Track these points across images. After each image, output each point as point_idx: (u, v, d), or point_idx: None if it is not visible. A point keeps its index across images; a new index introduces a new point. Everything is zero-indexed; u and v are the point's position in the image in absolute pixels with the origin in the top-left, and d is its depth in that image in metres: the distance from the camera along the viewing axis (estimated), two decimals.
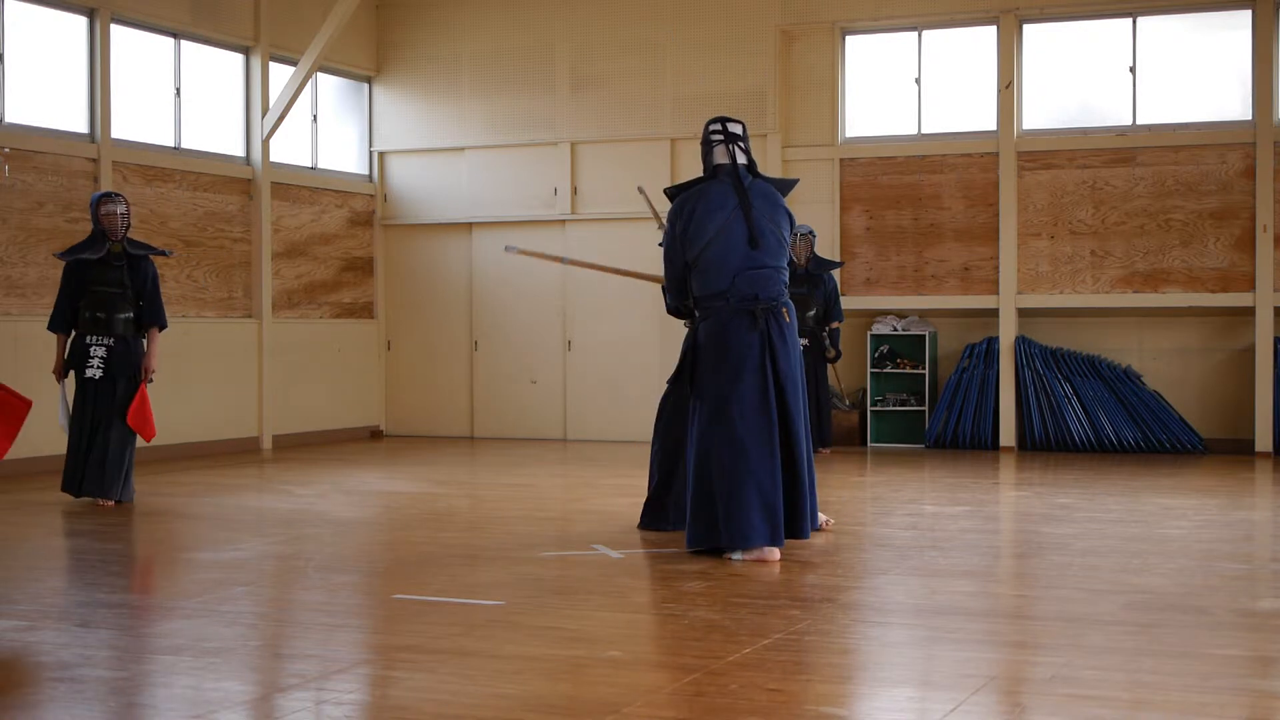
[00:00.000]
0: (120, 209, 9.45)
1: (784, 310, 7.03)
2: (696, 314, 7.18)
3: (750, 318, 6.94)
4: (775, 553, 6.85)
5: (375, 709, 4.46)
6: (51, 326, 9.53)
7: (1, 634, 5.37)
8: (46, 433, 11.58)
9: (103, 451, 9.37)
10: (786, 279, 7.13)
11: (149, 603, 6.13)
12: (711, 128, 7.23)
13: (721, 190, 7.09)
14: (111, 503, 9.35)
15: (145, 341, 9.62)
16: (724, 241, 6.98)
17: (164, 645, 5.24)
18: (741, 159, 7.16)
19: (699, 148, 7.62)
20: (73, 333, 9.53)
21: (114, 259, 9.45)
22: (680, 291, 7.23)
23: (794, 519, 6.97)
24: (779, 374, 6.94)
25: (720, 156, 7.18)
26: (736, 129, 7.20)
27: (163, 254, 9.93)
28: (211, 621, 5.64)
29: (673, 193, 7.31)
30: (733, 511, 6.82)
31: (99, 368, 9.42)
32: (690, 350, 7.16)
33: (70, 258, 9.45)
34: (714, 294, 7.01)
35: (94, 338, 9.43)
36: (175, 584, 6.66)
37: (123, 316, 9.48)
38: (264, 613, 5.96)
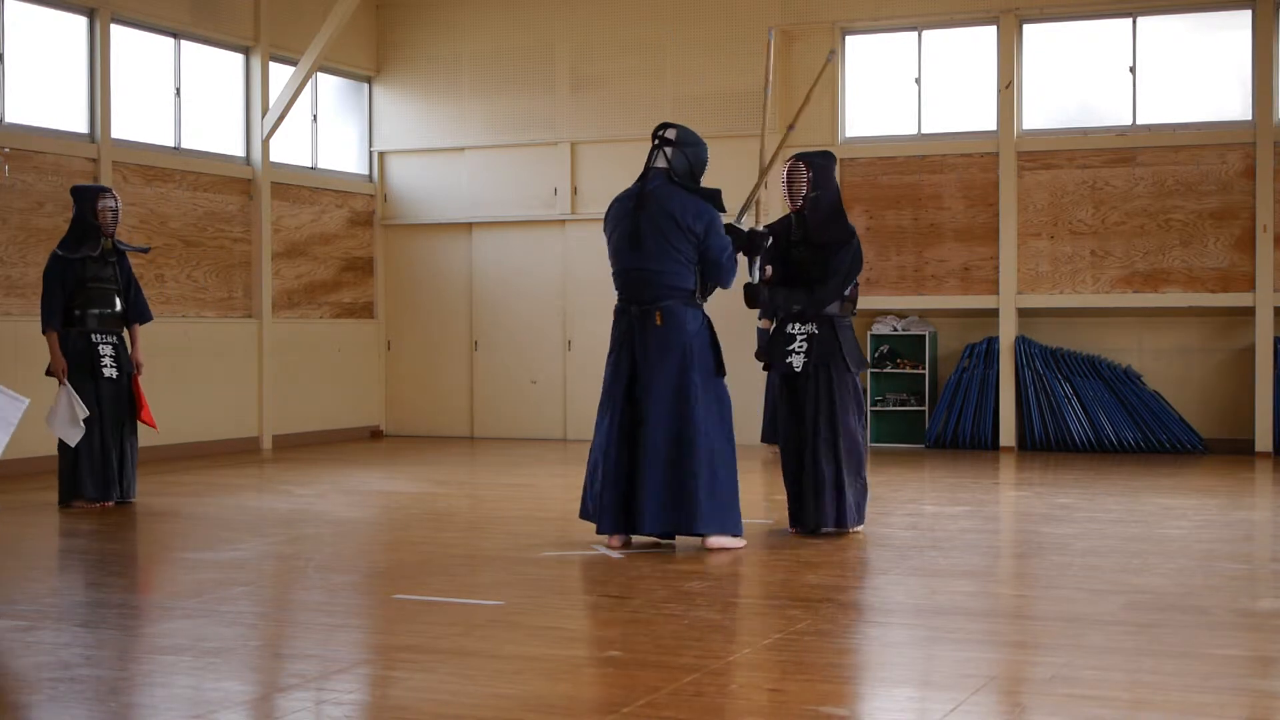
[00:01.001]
0: (115, 205, 9.37)
1: (656, 312, 7.21)
2: None
3: (622, 316, 7.37)
4: (615, 539, 7.28)
5: (375, 709, 4.46)
6: (53, 324, 9.20)
7: (1, 634, 5.37)
8: (44, 432, 11.58)
9: (131, 452, 9.38)
10: (681, 282, 7.20)
11: (149, 603, 6.13)
12: (656, 131, 7.44)
13: (627, 195, 7.40)
14: (112, 503, 9.30)
15: (129, 337, 9.55)
16: (615, 243, 7.38)
17: (164, 645, 5.24)
18: (661, 163, 7.33)
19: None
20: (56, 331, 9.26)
21: (107, 255, 9.37)
22: None
23: (633, 514, 7.16)
24: (636, 373, 7.22)
25: (653, 159, 7.39)
26: (672, 135, 7.36)
27: (143, 251, 9.91)
28: (211, 621, 5.64)
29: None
30: (594, 495, 7.32)
31: (113, 366, 9.32)
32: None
33: (74, 254, 9.24)
34: (617, 289, 7.49)
35: (100, 335, 9.30)
36: (175, 584, 6.67)
37: (116, 313, 9.42)
38: (264, 613, 5.96)
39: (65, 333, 9.26)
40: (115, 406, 9.32)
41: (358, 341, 15.24)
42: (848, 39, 14.00)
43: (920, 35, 13.76)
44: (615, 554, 7.18)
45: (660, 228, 7.22)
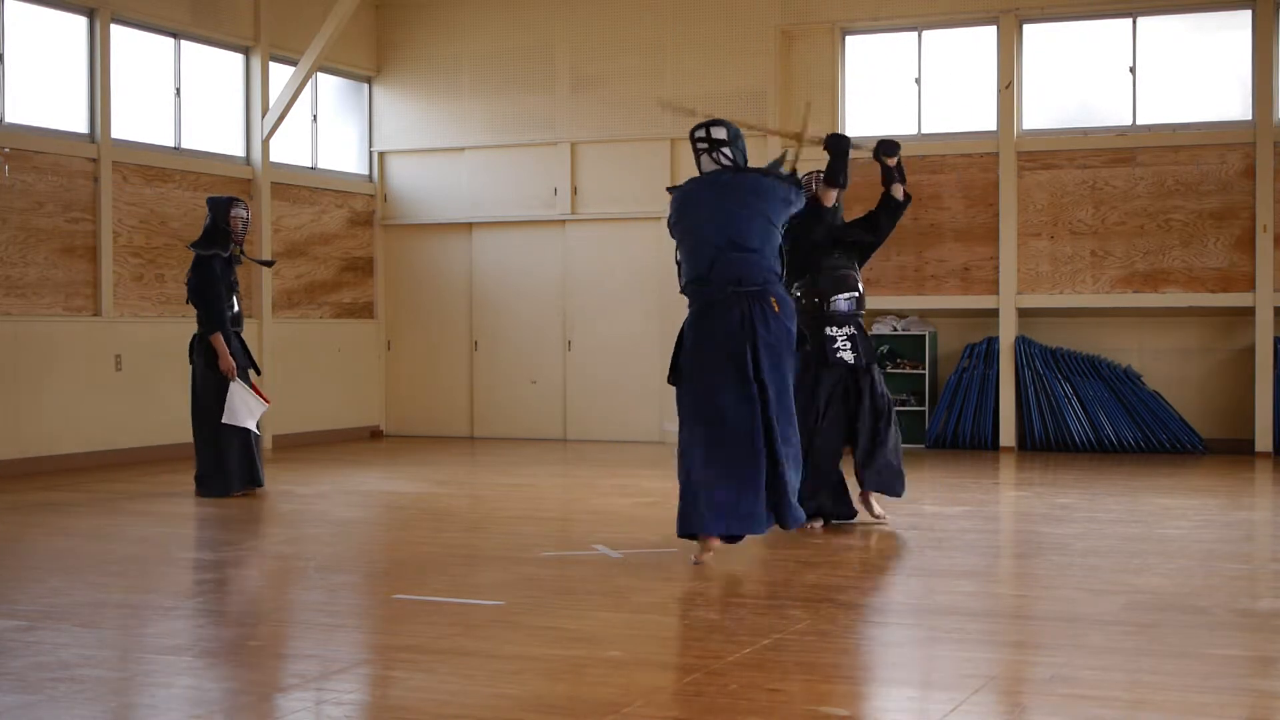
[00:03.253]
0: (245, 214, 9.93)
1: (772, 300, 6.78)
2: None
3: (729, 303, 6.73)
4: (715, 540, 6.76)
5: (375, 709, 4.46)
6: (221, 323, 9.66)
7: (1, 634, 5.37)
8: (45, 432, 11.59)
9: (257, 442, 9.93)
10: (776, 266, 6.87)
11: (149, 603, 6.12)
12: (696, 134, 7.08)
13: (706, 181, 7.01)
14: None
15: None
16: (699, 232, 6.87)
17: (164, 645, 5.24)
18: (724, 164, 7.01)
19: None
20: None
21: (235, 260, 9.92)
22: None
23: (775, 508, 6.77)
24: (759, 364, 6.70)
25: (705, 164, 7.06)
26: (720, 133, 7.02)
27: (267, 264, 10.71)
28: (211, 621, 5.64)
29: (671, 190, 7.26)
30: (699, 500, 6.71)
31: (253, 361, 10.01)
32: (679, 337, 6.97)
33: (208, 251, 9.72)
34: (696, 280, 6.86)
35: (237, 332, 9.91)
36: (175, 584, 6.66)
37: (238, 314, 9.95)
38: (264, 613, 5.96)
39: (227, 333, 9.78)
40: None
41: (358, 341, 15.24)
42: (848, 39, 13.99)
43: (920, 35, 13.76)
44: (615, 554, 7.16)
45: (755, 207, 6.85)
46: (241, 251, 9.96)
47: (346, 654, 5.16)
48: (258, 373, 10.09)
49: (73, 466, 11.69)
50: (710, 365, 6.73)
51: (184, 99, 13.28)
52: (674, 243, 7.14)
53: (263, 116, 13.84)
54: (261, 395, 9.96)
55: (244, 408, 9.67)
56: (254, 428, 9.74)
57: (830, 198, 8.33)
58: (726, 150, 7.02)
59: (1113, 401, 12.96)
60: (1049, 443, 13.09)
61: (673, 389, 7.07)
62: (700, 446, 6.70)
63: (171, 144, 13.14)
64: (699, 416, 6.75)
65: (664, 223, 7.46)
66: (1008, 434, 13.25)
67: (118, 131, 12.48)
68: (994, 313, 13.45)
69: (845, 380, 8.20)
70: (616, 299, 14.51)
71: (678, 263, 7.09)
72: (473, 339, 15.26)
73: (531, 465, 12.14)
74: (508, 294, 15.08)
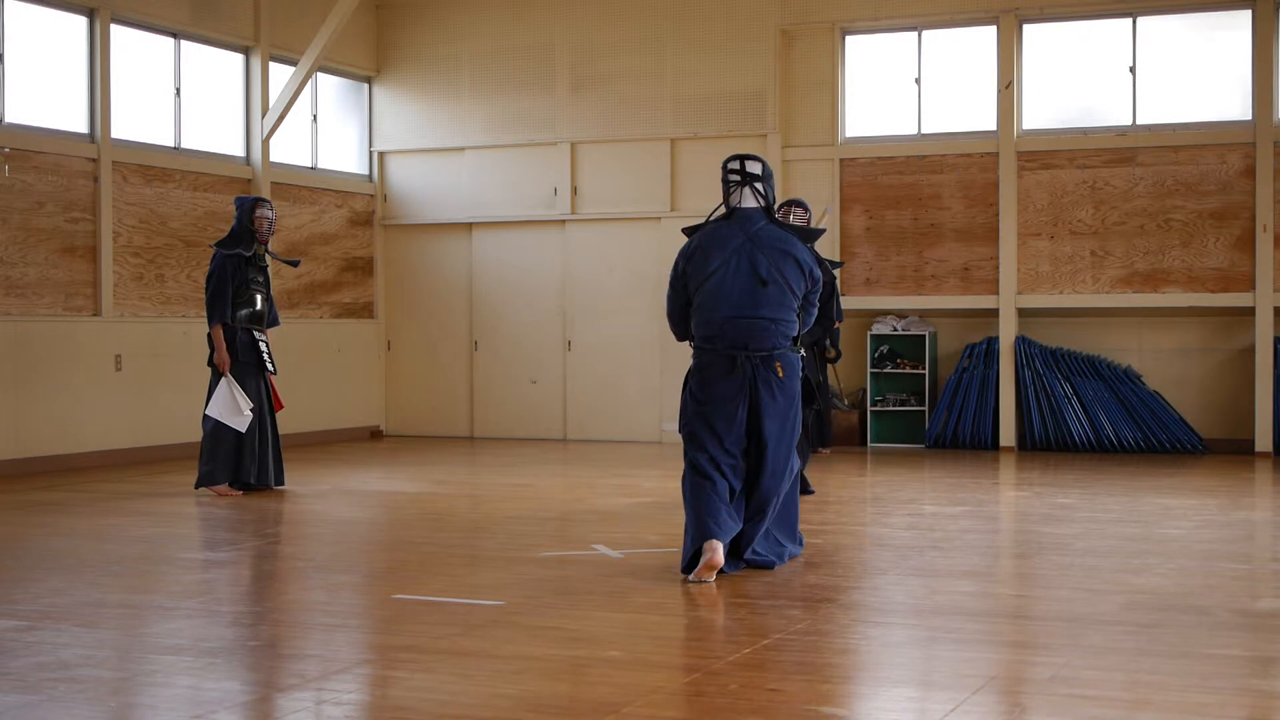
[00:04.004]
0: (271, 214, 10.05)
1: (777, 365, 6.64)
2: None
3: (732, 365, 6.61)
4: (716, 544, 6.45)
5: (375, 709, 4.46)
6: (222, 318, 9.79)
7: (1, 634, 5.37)
8: (45, 432, 11.59)
9: (279, 441, 10.08)
10: (791, 331, 6.71)
11: (149, 603, 6.12)
12: (730, 166, 6.81)
13: (729, 232, 6.72)
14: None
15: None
16: (718, 285, 6.64)
17: (164, 645, 5.24)
18: (756, 201, 6.77)
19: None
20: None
21: (259, 259, 10.02)
22: (681, 326, 6.94)
23: (739, 548, 6.68)
24: (761, 430, 6.62)
25: (734, 198, 6.78)
26: (755, 168, 6.78)
27: (293, 264, 10.63)
28: (211, 621, 5.64)
29: (689, 231, 6.96)
30: (694, 532, 6.57)
31: (270, 360, 10.06)
32: (685, 385, 6.87)
33: (231, 250, 9.85)
34: (705, 337, 6.71)
35: (258, 332, 10.00)
36: (175, 584, 6.66)
37: (260, 313, 10.07)
38: (264, 613, 5.96)
39: (232, 329, 9.88)
40: (268, 399, 10.05)
41: (358, 341, 15.24)
42: (848, 39, 14.00)
43: (920, 35, 13.76)
44: (615, 554, 7.17)
45: (784, 274, 6.66)
46: (267, 251, 10.07)
47: (346, 654, 5.16)
48: (273, 373, 10.13)
49: (73, 466, 11.69)
50: (711, 420, 6.65)
51: (184, 99, 13.28)
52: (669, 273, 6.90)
53: (263, 116, 13.84)
54: (277, 397, 10.10)
55: (230, 405, 9.73)
56: (240, 427, 9.74)
57: None
58: (760, 186, 6.78)
59: (1113, 401, 12.96)
60: (1049, 443, 13.09)
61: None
62: (702, 494, 6.58)
63: (171, 144, 13.14)
64: (700, 465, 6.64)
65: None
66: (1008, 434, 13.25)
67: (118, 131, 12.48)
68: (994, 313, 13.45)
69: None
70: (616, 299, 14.51)
71: (675, 305, 6.88)
72: (473, 339, 15.26)
73: (531, 465, 12.14)
74: (508, 294, 15.08)
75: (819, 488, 10.01)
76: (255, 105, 13.87)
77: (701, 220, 6.97)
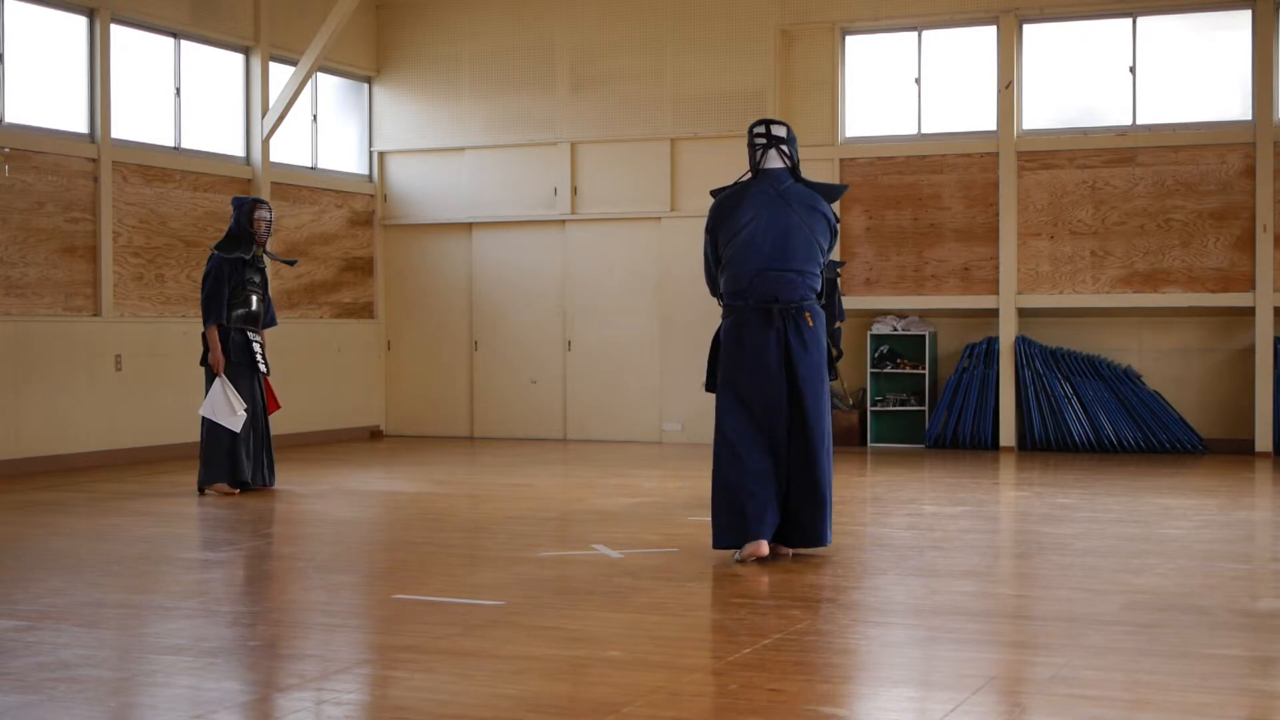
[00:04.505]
0: (269, 216, 10.11)
1: (806, 314, 6.84)
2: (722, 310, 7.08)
3: (766, 317, 6.80)
4: (763, 546, 6.78)
5: (375, 709, 4.46)
6: (216, 319, 9.85)
7: (1, 634, 5.37)
8: (45, 432, 11.59)
9: (270, 441, 10.14)
10: (817, 285, 6.93)
11: (149, 603, 6.12)
12: (755, 130, 7.06)
13: (758, 191, 6.96)
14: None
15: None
16: (748, 241, 6.85)
17: (164, 645, 5.24)
18: (783, 162, 7.01)
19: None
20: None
21: (257, 260, 10.08)
22: (713, 285, 7.13)
23: (805, 525, 6.85)
24: (796, 378, 6.80)
25: (762, 160, 7.01)
26: (780, 131, 7.04)
27: (290, 264, 10.68)
28: (211, 621, 5.64)
29: (717, 192, 7.17)
30: (735, 512, 6.79)
31: (263, 361, 10.11)
32: (714, 346, 7.08)
33: (230, 254, 9.91)
34: (735, 292, 6.89)
35: (253, 332, 10.06)
36: (175, 584, 6.66)
37: (257, 313, 10.13)
38: (264, 613, 5.96)
39: (226, 329, 9.93)
40: (261, 399, 10.10)
41: (358, 341, 15.24)
42: (848, 39, 14.00)
43: (920, 35, 13.76)
44: (615, 554, 7.16)
45: (812, 228, 6.91)
46: (265, 252, 10.13)
47: (346, 654, 5.16)
48: (267, 374, 10.17)
49: (73, 466, 11.69)
50: (747, 378, 6.82)
51: (184, 99, 13.28)
52: (691, 245, 7.14)
53: (263, 116, 13.84)
54: (273, 396, 10.17)
55: (223, 405, 9.78)
56: (234, 427, 9.79)
57: None
58: (785, 149, 7.02)
59: (1113, 401, 12.96)
60: (1049, 443, 13.09)
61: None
62: (739, 454, 6.78)
63: (171, 144, 13.14)
64: (736, 425, 6.82)
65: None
66: (1008, 434, 13.25)
67: (118, 131, 12.48)
68: (994, 313, 13.45)
69: None
70: (616, 299, 14.50)
71: (708, 265, 7.08)
72: (473, 339, 15.26)
73: (531, 465, 12.14)
74: (508, 294, 15.08)
75: None
76: (255, 105, 13.87)
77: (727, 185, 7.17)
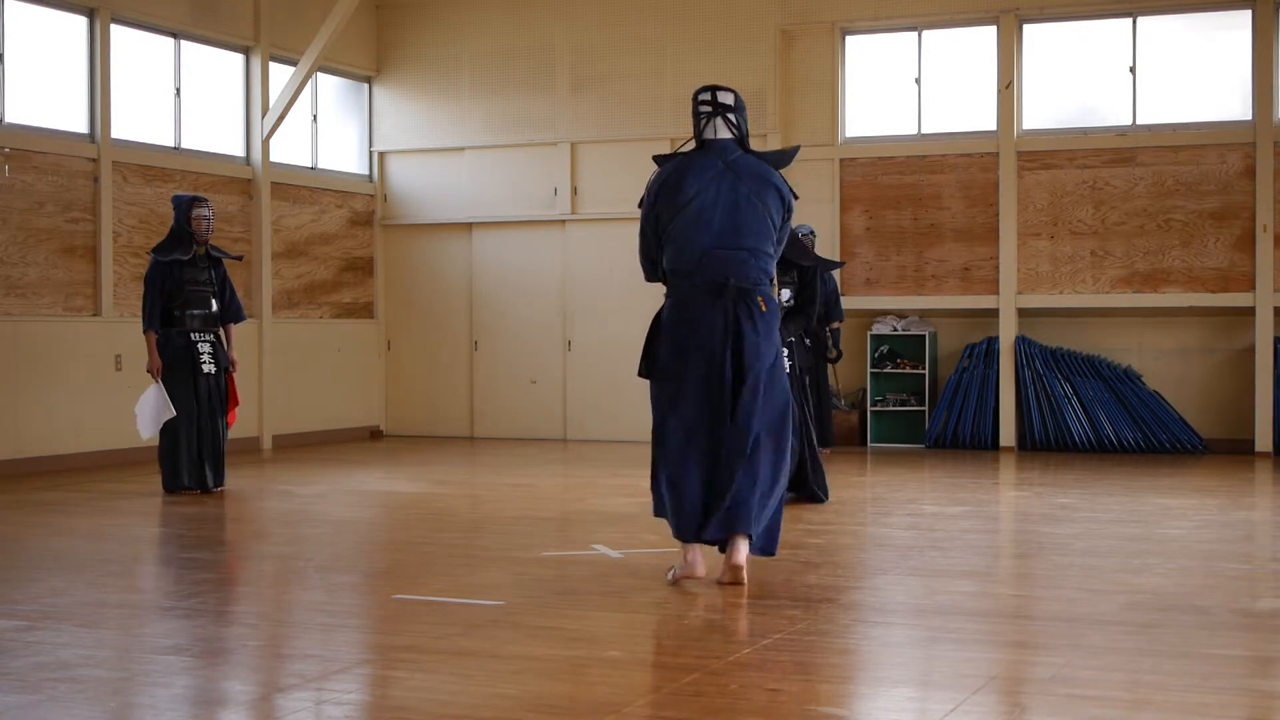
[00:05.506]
0: (209, 213, 9.97)
1: (760, 299, 6.23)
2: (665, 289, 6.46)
3: (715, 299, 6.19)
4: (699, 568, 6.17)
5: (375, 709, 4.46)
6: (152, 324, 9.78)
7: (1, 634, 5.37)
8: (45, 432, 11.59)
9: (221, 443, 9.96)
10: (770, 266, 6.33)
11: (149, 603, 6.12)
12: (700, 97, 6.44)
13: (704, 162, 6.33)
14: (222, 489, 10.00)
15: (224, 336, 10.14)
16: (694, 217, 6.23)
17: (164, 645, 5.24)
18: (730, 132, 6.39)
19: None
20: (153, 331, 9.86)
21: (200, 260, 9.95)
22: (651, 266, 6.52)
23: (729, 516, 6.12)
24: (743, 363, 6.16)
25: (708, 129, 6.41)
26: (727, 98, 6.41)
27: (236, 259, 10.59)
28: (211, 621, 5.64)
29: (660, 160, 6.57)
30: (676, 500, 6.20)
31: (210, 362, 9.92)
32: (654, 327, 6.45)
33: (166, 257, 9.81)
34: (681, 271, 6.28)
35: (199, 334, 9.89)
36: (175, 584, 6.66)
37: (211, 314, 9.97)
38: (264, 613, 5.96)
39: (166, 333, 9.83)
40: (208, 402, 9.90)
41: (358, 341, 15.24)
42: (848, 39, 14.00)
43: (920, 35, 13.76)
44: (615, 554, 7.15)
45: (764, 202, 6.27)
46: (208, 249, 9.98)
47: (346, 654, 5.16)
48: (226, 371, 10.00)
49: (73, 466, 11.69)
50: (688, 366, 6.22)
51: (184, 99, 13.28)
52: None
53: (263, 116, 13.84)
54: (235, 392, 10.06)
55: (151, 411, 9.70)
56: (142, 432, 9.78)
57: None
58: (733, 117, 6.41)
59: (1113, 401, 12.96)
60: (1049, 443, 13.09)
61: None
62: (677, 445, 6.19)
63: (171, 144, 13.14)
64: (677, 414, 6.22)
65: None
66: (1008, 434, 13.25)
67: (118, 131, 12.48)
68: (994, 313, 13.45)
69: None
70: (616, 299, 14.50)
71: (647, 243, 6.45)
72: (473, 339, 15.26)
73: (531, 465, 12.14)
74: (508, 294, 15.08)
75: None
76: (255, 105, 13.87)
77: (672, 153, 6.55)
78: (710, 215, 6.24)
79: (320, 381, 14.61)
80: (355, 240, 15.29)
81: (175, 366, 9.79)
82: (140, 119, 12.86)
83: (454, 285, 15.33)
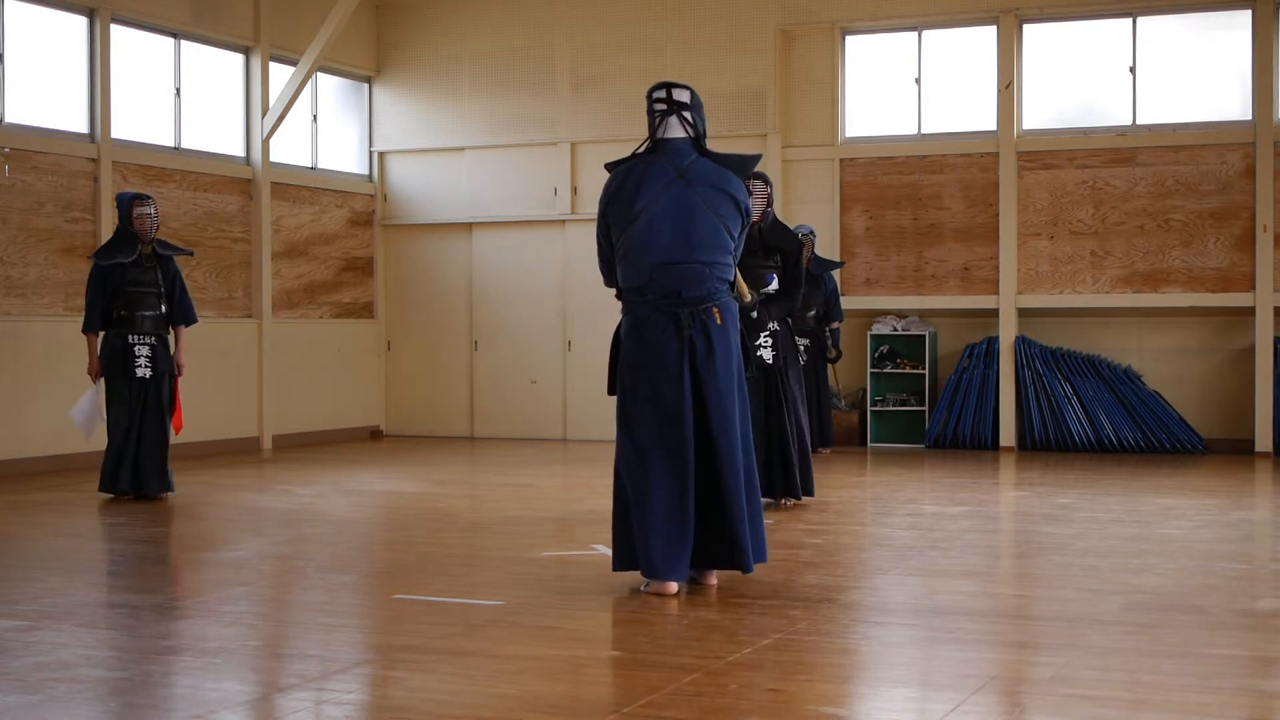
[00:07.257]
0: (152, 211, 9.68)
1: (715, 310, 6.02)
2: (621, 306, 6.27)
3: (666, 317, 6.00)
4: (672, 586, 6.01)
5: (375, 709, 4.46)
6: (89, 327, 9.60)
7: (1, 634, 5.37)
8: (45, 432, 11.59)
9: (156, 447, 9.61)
10: (728, 275, 6.11)
11: (149, 603, 6.12)
12: (655, 94, 6.21)
13: (656, 169, 6.08)
14: (161, 496, 9.64)
15: (174, 339, 9.86)
16: (645, 229, 6.00)
17: (164, 645, 5.24)
18: (685, 131, 6.16)
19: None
20: (102, 333, 9.66)
21: (145, 260, 9.68)
22: (610, 271, 6.29)
23: (724, 547, 6.02)
24: (701, 386, 5.98)
25: (662, 128, 6.16)
26: (683, 96, 6.20)
27: (187, 253, 10.23)
28: (211, 621, 5.64)
29: (611, 167, 6.30)
30: (637, 534, 6.03)
31: (147, 366, 9.62)
32: (614, 346, 6.28)
33: (107, 261, 9.58)
34: (633, 288, 6.09)
35: (136, 337, 9.61)
36: (175, 584, 6.66)
37: (157, 315, 9.71)
38: (264, 613, 5.96)
39: (105, 335, 9.61)
40: (141, 406, 9.61)
41: (358, 341, 15.24)
42: (848, 39, 14.00)
43: (920, 35, 13.76)
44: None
45: (718, 211, 6.04)
46: (155, 248, 9.70)
47: (346, 654, 5.16)
48: (172, 377, 9.73)
49: (73, 466, 11.68)
50: (648, 383, 6.04)
51: (184, 99, 13.28)
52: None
53: (263, 116, 13.84)
54: (178, 398, 9.75)
55: (84, 413, 9.59)
56: (85, 432, 9.67)
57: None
58: (689, 115, 6.18)
59: (1113, 401, 12.96)
60: (1049, 443, 13.09)
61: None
62: (643, 469, 6.02)
63: (171, 144, 13.14)
64: (638, 436, 6.04)
65: None
66: (1008, 434, 13.25)
67: (118, 131, 12.48)
68: (994, 313, 13.45)
69: (763, 379, 8.72)
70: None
71: (602, 250, 6.26)
72: (473, 339, 15.26)
73: (531, 465, 12.14)
74: (508, 294, 15.08)
75: (818, 488, 9.99)
76: (255, 105, 13.87)
77: (626, 156, 6.27)
78: (660, 228, 6.01)
79: (320, 381, 14.61)
80: (355, 240, 15.29)
81: (111, 370, 9.55)
82: (140, 119, 12.86)
83: (454, 285, 15.33)
